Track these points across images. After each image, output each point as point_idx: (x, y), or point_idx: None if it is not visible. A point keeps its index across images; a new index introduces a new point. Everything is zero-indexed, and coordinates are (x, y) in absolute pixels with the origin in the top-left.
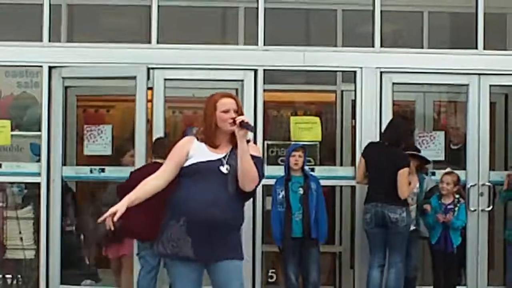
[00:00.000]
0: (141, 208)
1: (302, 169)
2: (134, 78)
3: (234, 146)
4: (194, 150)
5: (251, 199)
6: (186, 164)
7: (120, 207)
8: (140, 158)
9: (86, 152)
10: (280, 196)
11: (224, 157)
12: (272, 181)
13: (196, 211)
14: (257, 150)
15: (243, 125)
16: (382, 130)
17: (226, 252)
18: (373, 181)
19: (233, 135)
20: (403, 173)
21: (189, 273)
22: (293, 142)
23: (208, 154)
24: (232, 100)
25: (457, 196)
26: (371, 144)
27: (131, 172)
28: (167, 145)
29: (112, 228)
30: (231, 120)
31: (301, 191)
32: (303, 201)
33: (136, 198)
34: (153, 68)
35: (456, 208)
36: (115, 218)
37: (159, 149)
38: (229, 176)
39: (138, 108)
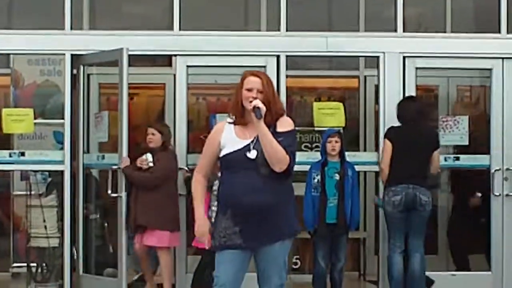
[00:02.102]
0: None
1: (339, 154)
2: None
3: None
4: (225, 139)
5: None
6: (220, 155)
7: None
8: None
9: (94, 139)
10: (315, 180)
11: (252, 141)
12: (297, 167)
13: (235, 201)
14: (288, 124)
15: (255, 109)
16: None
17: (274, 235)
18: (402, 163)
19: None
20: (439, 153)
21: (234, 259)
22: (317, 128)
23: (236, 142)
24: (257, 79)
25: None
26: (394, 127)
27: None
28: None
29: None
30: (251, 100)
31: (337, 176)
32: (339, 187)
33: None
34: (175, 55)
35: None
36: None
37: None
38: (259, 160)
39: (120, 94)
